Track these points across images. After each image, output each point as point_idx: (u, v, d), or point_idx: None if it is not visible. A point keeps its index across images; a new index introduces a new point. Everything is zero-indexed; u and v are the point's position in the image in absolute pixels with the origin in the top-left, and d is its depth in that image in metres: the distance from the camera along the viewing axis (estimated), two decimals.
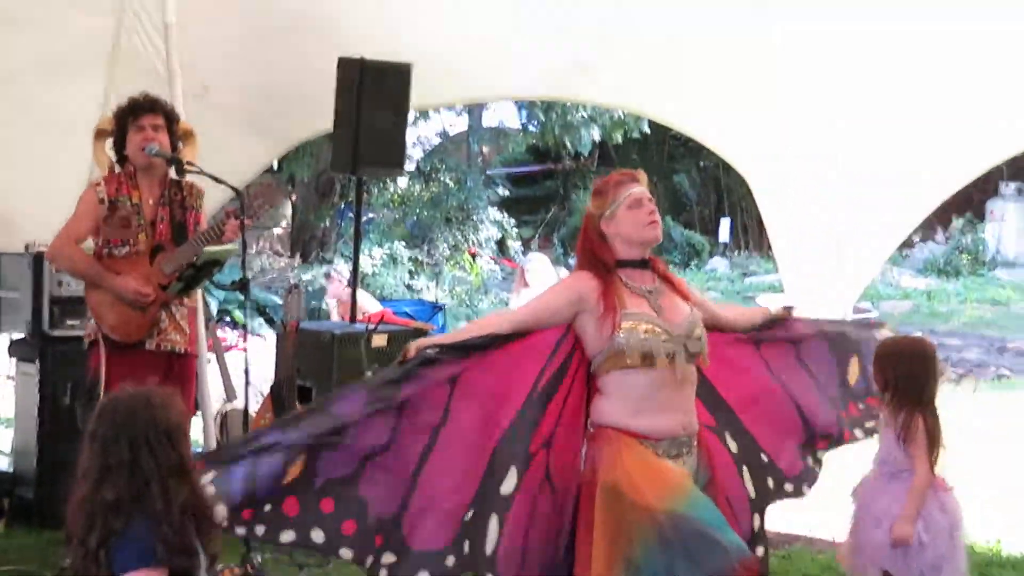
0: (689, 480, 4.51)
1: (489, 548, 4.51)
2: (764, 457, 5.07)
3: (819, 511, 7.06)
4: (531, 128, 23.18)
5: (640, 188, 4.71)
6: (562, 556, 4.67)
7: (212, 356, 8.26)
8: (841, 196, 8.92)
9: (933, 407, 5.12)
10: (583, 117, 19.70)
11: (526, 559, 4.58)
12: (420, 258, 19.55)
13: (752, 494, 4.97)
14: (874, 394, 5.45)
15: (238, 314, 11.80)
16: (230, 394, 8.23)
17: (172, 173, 6.43)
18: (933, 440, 5.05)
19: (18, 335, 7.60)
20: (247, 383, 6.54)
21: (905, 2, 7.43)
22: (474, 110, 25.99)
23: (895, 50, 7.81)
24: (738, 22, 8.03)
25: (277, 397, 7.40)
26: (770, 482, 5.06)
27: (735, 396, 5.07)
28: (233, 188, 6.38)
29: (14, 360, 7.83)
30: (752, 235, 24.92)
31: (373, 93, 7.85)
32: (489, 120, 28.37)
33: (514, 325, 4.75)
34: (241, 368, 6.62)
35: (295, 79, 8.38)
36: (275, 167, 18.62)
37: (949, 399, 5.57)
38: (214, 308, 10.32)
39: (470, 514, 4.55)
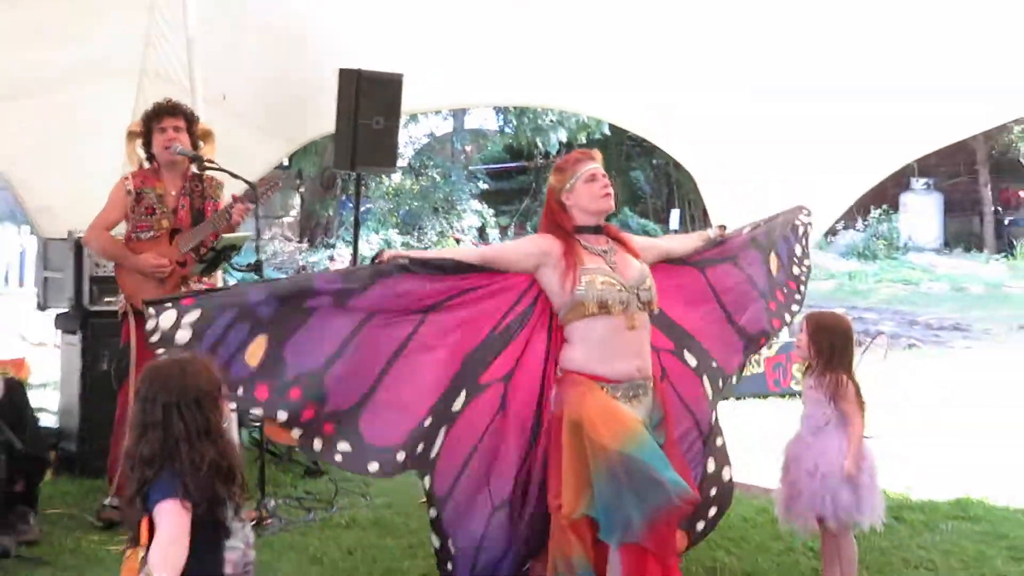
0: (640, 425, 4.56)
1: (433, 452, 4.65)
2: (714, 364, 5.33)
3: (751, 461, 7.16)
4: (507, 130, 23.15)
5: (596, 164, 4.82)
6: (521, 476, 4.76)
7: None
8: (773, 188, 8.90)
9: (852, 371, 5.17)
10: (551, 121, 19.76)
11: (465, 473, 4.69)
12: (411, 243, 19.52)
13: (710, 395, 5.28)
14: (792, 277, 5.78)
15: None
16: None
17: (193, 168, 6.44)
18: (860, 397, 5.13)
19: (62, 310, 7.57)
20: None
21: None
22: (458, 114, 26.02)
23: (825, 51, 7.83)
24: (681, 37, 8.05)
25: None
26: (720, 383, 5.36)
27: (689, 320, 5.25)
28: (246, 181, 6.46)
29: (59, 331, 7.82)
30: (698, 223, 24.90)
31: (369, 100, 7.84)
32: (471, 123, 28.37)
33: (481, 258, 4.87)
34: None
35: (301, 87, 8.35)
36: (285, 163, 18.60)
37: (865, 363, 5.64)
38: (231, 281, 10.24)
39: (428, 421, 4.62)
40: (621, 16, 8.06)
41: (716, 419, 5.37)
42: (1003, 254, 24.95)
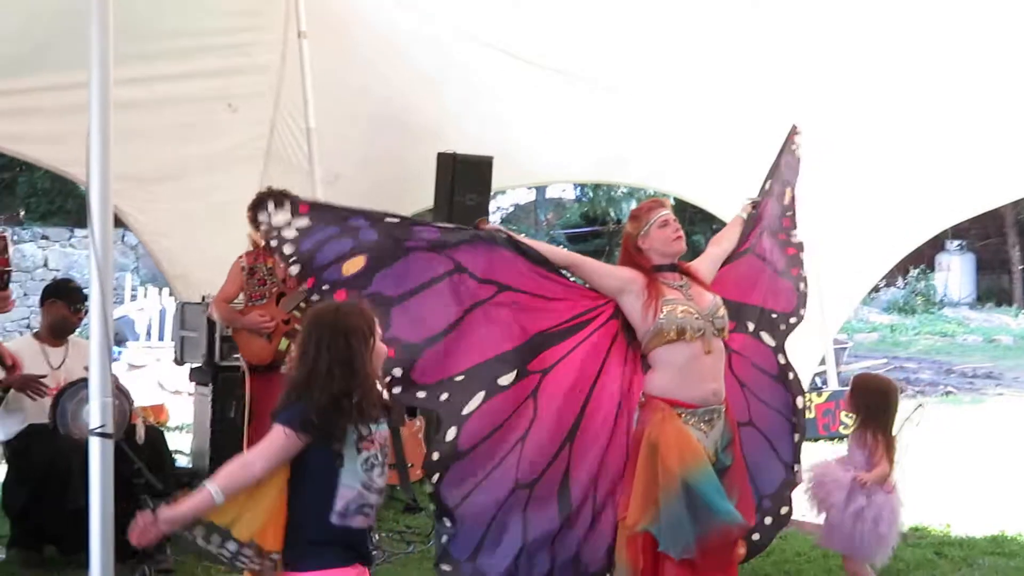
0: (705, 458, 4.45)
1: (465, 410, 4.46)
2: (773, 315, 5.17)
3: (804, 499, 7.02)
4: (583, 199, 23.13)
5: (667, 212, 4.74)
6: (555, 473, 4.57)
7: None
8: (824, 251, 8.84)
9: (890, 429, 5.09)
10: (623, 192, 19.72)
11: (492, 438, 4.49)
12: None
13: (772, 343, 5.12)
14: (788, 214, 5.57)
15: None
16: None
17: None
18: (891, 452, 5.03)
19: (196, 364, 7.66)
20: None
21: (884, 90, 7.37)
22: (539, 188, 26.10)
23: (873, 129, 7.76)
24: (744, 122, 8.03)
25: (390, 411, 7.39)
26: (782, 327, 5.18)
27: (752, 296, 5.13)
28: None
29: (194, 383, 7.91)
30: None
31: (463, 179, 7.89)
32: (551, 193, 28.45)
33: (568, 260, 4.79)
34: None
35: (405, 168, 8.44)
36: None
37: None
38: None
39: (461, 378, 4.46)
40: (679, 103, 8.11)
41: (787, 362, 5.16)
42: None
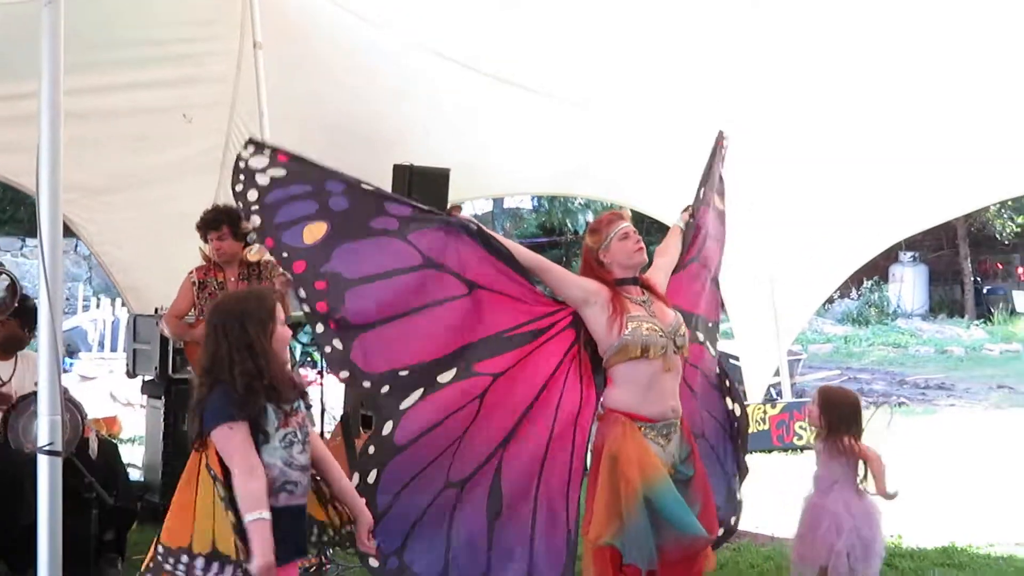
0: (665, 473, 4.45)
1: (403, 405, 4.41)
2: (710, 323, 5.27)
3: (759, 511, 7.06)
4: (541, 210, 23.15)
5: (627, 224, 4.70)
6: (486, 474, 4.55)
7: None
8: (779, 266, 8.92)
9: (860, 438, 5.16)
10: (580, 204, 19.81)
11: (428, 437, 4.45)
12: None
13: (714, 353, 5.23)
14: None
15: (317, 356, 11.75)
16: (310, 422, 8.18)
17: (248, 256, 6.53)
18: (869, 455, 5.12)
19: (149, 377, 7.59)
20: (323, 412, 6.76)
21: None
22: (497, 199, 26.11)
23: (826, 148, 7.84)
24: (700, 135, 8.07)
25: (345, 423, 7.37)
26: (716, 335, 5.33)
27: (699, 306, 5.19)
28: None
29: (146, 396, 7.85)
30: None
31: (420, 191, 7.81)
32: (509, 203, 28.47)
33: (537, 263, 4.74)
34: (318, 400, 6.71)
35: (360, 179, 8.40)
36: None
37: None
38: (298, 352, 10.27)
39: (405, 373, 4.42)
40: (636, 116, 8.16)
41: (719, 361, 5.28)
42: (982, 320, 24.68)
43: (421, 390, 4.45)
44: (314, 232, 4.26)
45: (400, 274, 4.40)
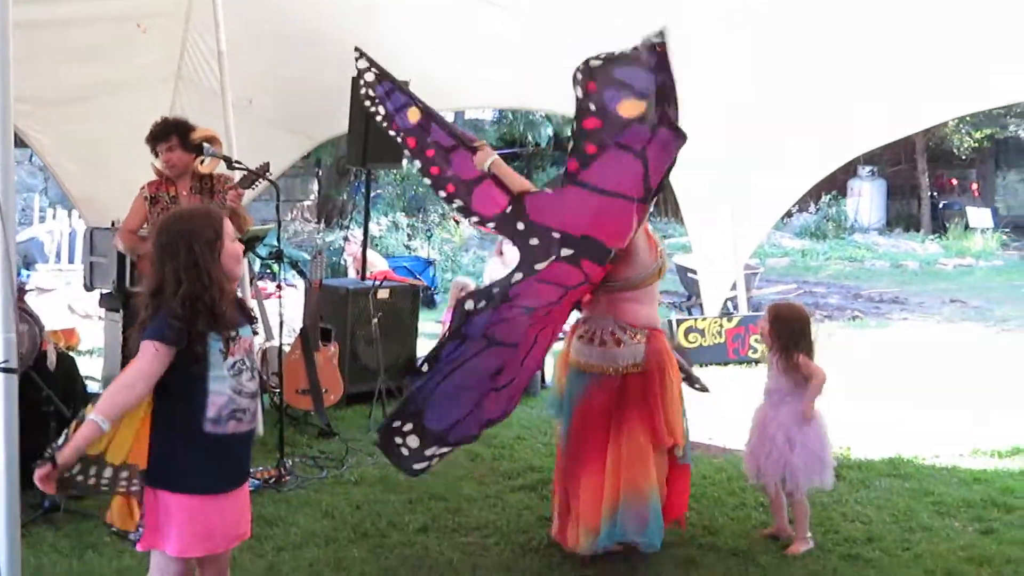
0: None
1: (539, 266, 4.70)
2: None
3: (713, 424, 7.21)
4: (503, 122, 22.98)
5: None
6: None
7: (256, 304, 8.27)
8: (740, 177, 8.98)
9: (811, 352, 5.31)
10: (542, 117, 19.73)
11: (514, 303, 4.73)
12: (416, 224, 19.47)
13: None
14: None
15: (277, 268, 11.79)
16: (269, 334, 8.23)
17: (198, 167, 6.49)
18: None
19: (106, 290, 7.57)
20: (281, 324, 6.71)
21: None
22: (458, 111, 25.93)
23: (786, 57, 7.84)
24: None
25: (305, 336, 7.41)
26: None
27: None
28: (247, 169, 6.38)
29: (103, 309, 7.83)
30: (671, 206, 24.86)
31: None
32: (470, 115, 28.28)
33: None
34: (277, 313, 6.77)
35: (318, 92, 8.35)
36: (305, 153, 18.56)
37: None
38: (257, 266, 10.26)
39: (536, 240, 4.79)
40: (597, 29, 8.08)
41: None
42: (937, 235, 24.97)
43: (548, 260, 4.69)
44: (414, 114, 5.23)
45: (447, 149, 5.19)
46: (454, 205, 5.23)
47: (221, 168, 6.56)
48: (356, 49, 5.41)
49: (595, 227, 4.68)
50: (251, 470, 5.94)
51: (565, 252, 4.68)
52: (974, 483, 6.41)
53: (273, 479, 6.21)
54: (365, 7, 7.74)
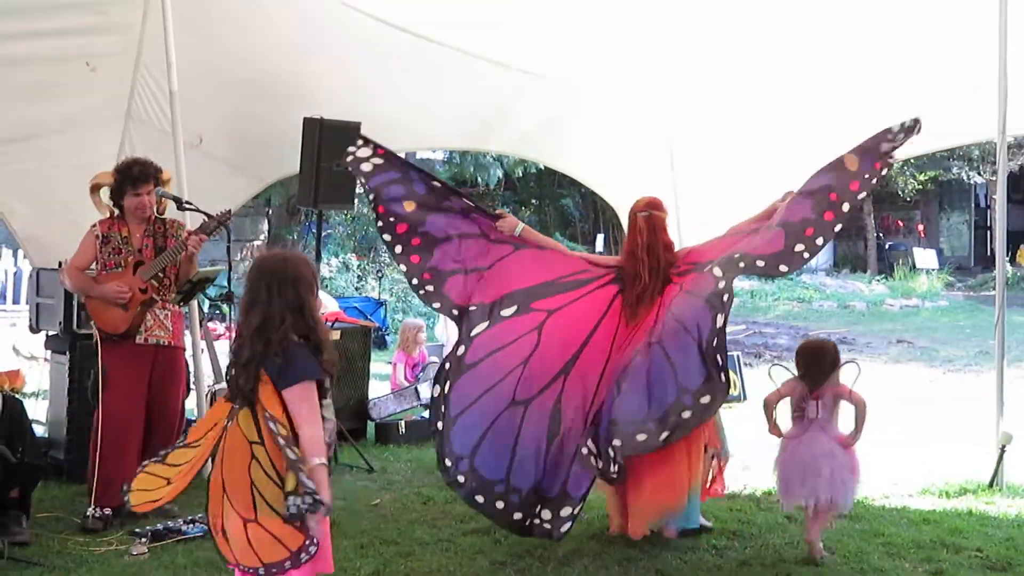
0: None
1: (475, 332, 5.76)
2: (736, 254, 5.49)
3: None
4: (453, 162, 23.03)
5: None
6: (550, 396, 5.71)
7: (205, 346, 8.20)
8: (682, 218, 9.05)
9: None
10: (492, 158, 19.78)
11: (493, 358, 5.70)
12: (366, 265, 19.42)
13: (719, 273, 5.44)
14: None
15: (227, 308, 11.70)
16: (218, 375, 8.15)
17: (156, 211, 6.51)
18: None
19: (53, 332, 7.46)
20: (230, 365, 6.57)
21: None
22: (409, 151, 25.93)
23: (731, 101, 7.97)
24: (606, 92, 8.14)
25: None
26: (741, 264, 5.43)
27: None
28: (205, 213, 6.45)
29: (49, 351, 7.72)
30: (620, 245, 25.06)
31: (330, 145, 7.81)
32: (421, 155, 28.30)
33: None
34: (227, 354, 6.64)
35: (269, 133, 8.33)
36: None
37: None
38: (206, 307, 10.17)
39: (474, 308, 5.80)
40: (544, 73, 8.22)
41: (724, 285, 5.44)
42: (883, 275, 25.30)
43: (487, 322, 5.75)
44: (408, 206, 5.77)
45: (468, 238, 5.85)
46: (422, 291, 5.85)
47: (171, 209, 6.55)
48: (360, 136, 5.94)
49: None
50: (198, 516, 5.94)
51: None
52: (923, 524, 6.44)
53: None
54: (315, 48, 7.77)
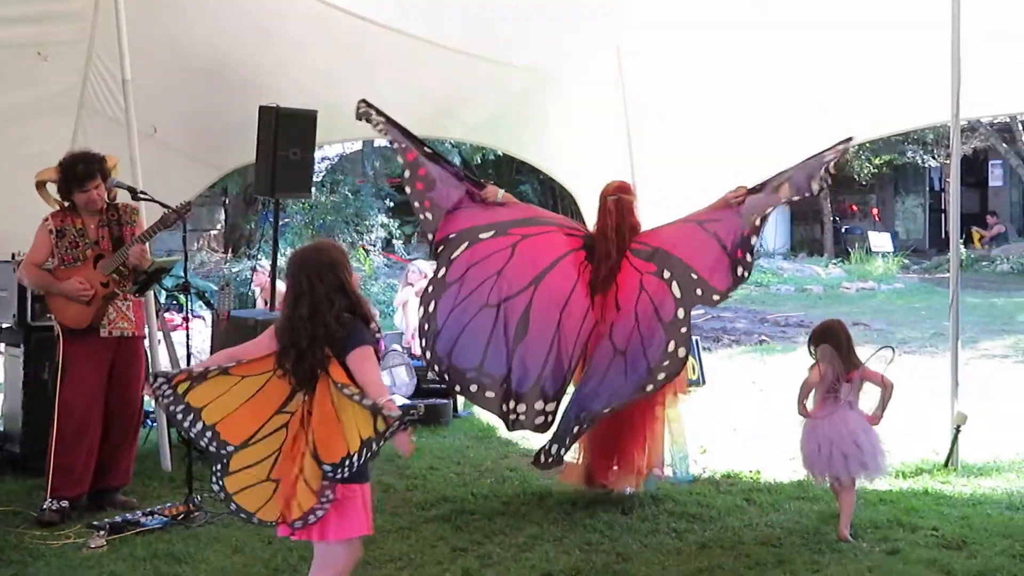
0: None
1: (454, 255, 6.41)
2: (694, 275, 6.19)
3: None
4: None
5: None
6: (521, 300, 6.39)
7: (162, 336, 8.14)
8: (648, 202, 9.08)
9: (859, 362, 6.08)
10: (450, 145, 19.74)
11: (474, 267, 6.40)
12: None
13: (678, 295, 6.16)
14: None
15: (184, 299, 11.62)
16: (175, 365, 8.10)
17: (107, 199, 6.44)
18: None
19: (7, 324, 7.37)
20: (188, 355, 6.72)
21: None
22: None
23: (695, 78, 8.01)
24: (566, 80, 8.15)
25: None
26: (698, 291, 6.17)
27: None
28: (163, 204, 6.39)
29: (3, 344, 7.65)
30: None
31: (286, 133, 7.82)
32: (379, 143, 28.18)
33: None
34: (184, 344, 6.75)
35: (225, 122, 8.29)
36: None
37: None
38: (163, 297, 10.11)
39: (454, 235, 6.47)
40: (503, 60, 8.21)
41: (687, 317, 6.14)
42: (840, 259, 25.50)
43: (466, 243, 6.42)
44: (412, 155, 6.46)
45: (457, 192, 6.52)
46: (422, 216, 6.47)
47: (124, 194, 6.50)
48: (362, 101, 6.51)
49: None
50: (159, 507, 5.90)
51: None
52: (880, 504, 6.51)
53: (182, 515, 6.09)
54: (269, 36, 7.71)
